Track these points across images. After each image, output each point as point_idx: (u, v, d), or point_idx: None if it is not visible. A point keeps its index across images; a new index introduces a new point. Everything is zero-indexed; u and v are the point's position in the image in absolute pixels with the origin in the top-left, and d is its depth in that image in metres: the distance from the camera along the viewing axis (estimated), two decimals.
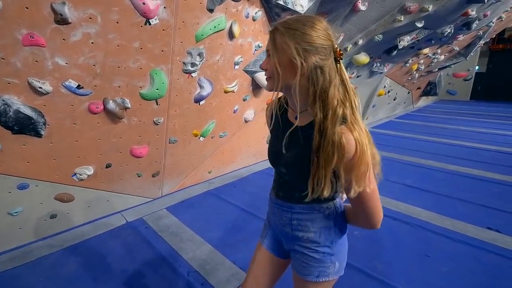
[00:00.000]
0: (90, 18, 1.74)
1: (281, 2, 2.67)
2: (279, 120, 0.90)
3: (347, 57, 4.16)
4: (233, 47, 2.73)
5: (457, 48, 6.76)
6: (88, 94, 1.95)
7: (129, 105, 2.13)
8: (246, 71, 3.07)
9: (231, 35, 2.60)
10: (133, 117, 2.25)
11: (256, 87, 3.31)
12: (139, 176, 2.58)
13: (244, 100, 3.27)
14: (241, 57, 2.87)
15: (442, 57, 6.79)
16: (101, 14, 1.78)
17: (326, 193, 0.76)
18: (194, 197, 2.89)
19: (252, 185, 3.25)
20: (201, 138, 2.97)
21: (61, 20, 1.64)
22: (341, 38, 3.65)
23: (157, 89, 2.23)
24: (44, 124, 1.87)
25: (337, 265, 0.91)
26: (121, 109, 2.10)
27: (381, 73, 5.47)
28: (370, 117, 7.30)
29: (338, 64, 0.74)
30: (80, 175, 2.20)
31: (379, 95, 6.73)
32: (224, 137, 3.28)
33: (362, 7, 3.18)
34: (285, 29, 0.72)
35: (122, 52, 1.97)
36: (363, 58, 4.25)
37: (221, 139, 3.25)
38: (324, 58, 0.71)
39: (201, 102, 2.72)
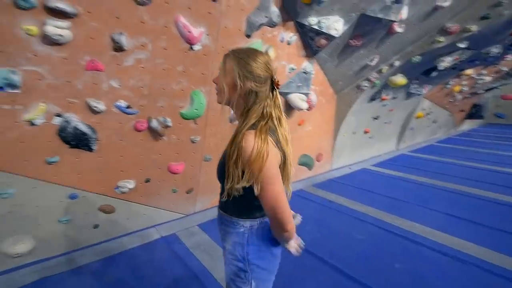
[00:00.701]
0: (142, 45, 1.94)
1: (316, 27, 2.75)
2: None
3: (383, 79, 4.08)
4: None
5: (505, 69, 6.30)
6: (135, 113, 2.12)
7: (170, 124, 2.27)
8: (280, 93, 3.13)
9: None
10: (172, 135, 2.38)
11: (288, 108, 3.35)
12: (174, 192, 2.67)
13: None
14: None
15: (488, 78, 6.36)
16: (151, 42, 1.97)
17: (236, 193, 0.86)
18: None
19: None
20: None
21: (118, 48, 1.85)
22: (375, 60, 3.61)
23: (196, 109, 2.36)
24: (96, 140, 2.05)
25: (253, 285, 0.96)
26: (162, 127, 2.24)
27: (419, 94, 5.24)
28: (408, 140, 6.92)
29: (274, 91, 0.92)
30: (122, 188, 2.34)
31: (417, 118, 6.40)
32: None
33: (398, 29, 3.15)
34: (234, 56, 0.89)
35: (167, 75, 2.14)
36: (400, 79, 4.13)
37: None
38: (259, 85, 0.88)
39: (235, 122, 2.80)
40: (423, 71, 4.47)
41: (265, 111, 0.89)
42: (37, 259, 2.08)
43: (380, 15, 2.84)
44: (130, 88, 2.03)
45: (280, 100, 0.94)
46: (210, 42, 2.22)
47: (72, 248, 2.25)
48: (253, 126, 0.86)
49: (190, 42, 2.10)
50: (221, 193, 0.97)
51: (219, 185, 1.00)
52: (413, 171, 4.83)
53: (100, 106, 1.94)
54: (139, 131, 2.20)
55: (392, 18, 2.89)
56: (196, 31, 2.10)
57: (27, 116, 1.75)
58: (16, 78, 1.64)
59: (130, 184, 2.36)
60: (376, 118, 5.15)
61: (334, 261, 2.20)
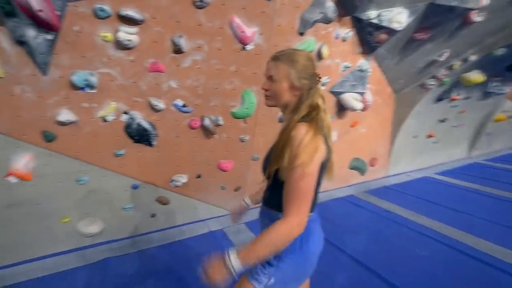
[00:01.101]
0: (198, 47, 2.03)
1: (375, 21, 2.54)
2: None
3: (453, 76, 3.59)
4: (321, 69, 2.71)
5: None
6: (190, 112, 2.24)
7: (221, 123, 2.34)
8: (332, 92, 2.99)
9: (319, 57, 2.60)
10: (223, 134, 2.45)
11: (341, 109, 3.17)
12: (222, 189, 2.75)
13: None
14: (328, 78, 2.82)
15: None
16: (207, 43, 2.05)
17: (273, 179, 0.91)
18: None
19: (332, 212, 3.03)
20: None
21: (177, 50, 1.97)
22: (445, 55, 3.19)
23: (246, 109, 2.39)
24: (156, 136, 2.22)
25: (272, 281, 0.93)
26: (214, 125, 2.32)
27: (501, 94, 4.49)
28: (483, 146, 5.98)
29: (318, 85, 0.96)
30: (176, 182, 2.49)
31: (496, 121, 5.50)
32: None
33: (477, 18, 2.73)
34: (286, 60, 0.94)
35: (220, 75, 2.20)
36: (476, 76, 3.58)
37: None
38: (312, 82, 0.94)
39: None
40: (507, 67, 3.81)
41: (314, 102, 0.94)
42: (105, 240, 2.34)
43: (454, 3, 2.49)
44: (187, 88, 2.15)
45: (321, 91, 1.00)
46: (263, 41, 2.22)
47: (134, 233, 2.47)
48: (305, 118, 0.90)
49: (243, 42, 2.13)
50: (266, 189, 1.03)
51: None
52: (489, 182, 4.15)
53: (160, 104, 2.10)
54: (193, 128, 2.31)
55: (470, 6, 2.51)
56: (249, 31, 2.12)
57: (101, 113, 1.98)
58: (94, 79, 1.86)
59: (183, 178, 2.50)
60: (443, 121, 4.57)
61: (393, 277, 1.99)
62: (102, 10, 1.70)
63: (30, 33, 1.61)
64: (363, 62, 3.00)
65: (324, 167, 0.93)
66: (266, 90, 0.99)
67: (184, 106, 2.19)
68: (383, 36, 2.67)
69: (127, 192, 2.36)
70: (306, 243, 0.95)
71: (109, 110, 2.00)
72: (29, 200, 1.99)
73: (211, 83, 2.20)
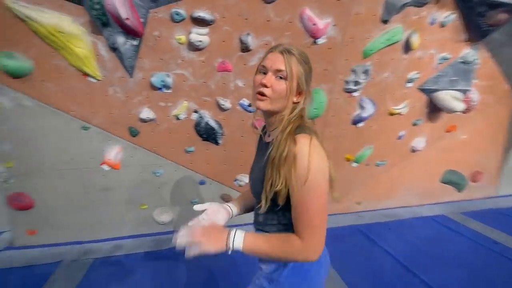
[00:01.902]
0: (266, 44, 1.95)
1: None
2: (258, 144, 1.00)
3: None
4: (408, 61, 2.29)
5: None
6: (255, 111, 2.19)
7: None
8: (423, 90, 2.50)
9: (407, 47, 2.19)
10: None
11: (433, 110, 2.63)
12: None
13: (415, 124, 2.66)
14: (418, 72, 2.36)
15: None
16: (275, 40, 1.95)
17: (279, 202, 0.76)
18: (339, 228, 2.60)
19: (414, 233, 2.54)
20: (354, 164, 2.66)
21: (245, 48, 1.94)
22: None
23: (315, 109, 2.20)
24: (222, 134, 2.26)
25: None
26: None
27: None
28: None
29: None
30: (240, 181, 2.49)
31: None
32: (382, 167, 2.80)
33: None
34: (301, 58, 0.77)
35: None
36: None
37: (378, 168, 2.79)
38: (310, 90, 0.83)
39: (360, 124, 2.44)
40: None
41: (304, 113, 0.82)
42: (175, 230, 2.52)
43: None
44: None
45: None
46: (337, 33, 1.99)
47: None
48: (299, 129, 0.76)
49: (314, 36, 1.95)
50: (258, 208, 0.86)
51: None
52: None
53: (227, 104, 2.11)
54: (258, 128, 2.25)
55: None
56: (322, 23, 1.92)
57: (175, 112, 2.12)
58: (169, 80, 2.00)
59: (246, 178, 2.49)
60: None
61: None
62: (178, 13, 1.79)
63: (120, 39, 1.82)
64: (468, 52, 2.40)
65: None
66: (266, 87, 0.75)
67: (249, 105, 2.15)
68: (501, 16, 2.06)
69: (195, 187, 2.48)
70: (317, 274, 0.87)
71: (181, 109, 2.12)
72: (117, 186, 2.29)
73: None
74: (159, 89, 2.02)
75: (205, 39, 1.87)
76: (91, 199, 2.27)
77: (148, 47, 1.89)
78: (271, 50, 0.79)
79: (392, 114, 2.50)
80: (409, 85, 2.41)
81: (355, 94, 2.26)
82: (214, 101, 2.13)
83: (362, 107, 2.36)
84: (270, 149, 0.77)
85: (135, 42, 1.86)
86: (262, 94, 0.76)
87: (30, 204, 2.18)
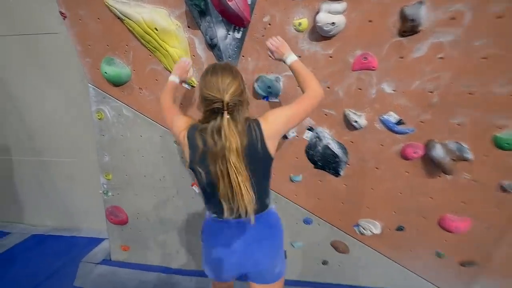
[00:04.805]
0: (453, 18, 1.10)
1: None
2: None
3: None
4: None
5: None
6: (407, 133, 1.36)
7: (469, 155, 1.29)
8: None
9: None
10: (464, 173, 1.38)
11: None
12: (438, 256, 1.68)
13: None
14: None
15: None
16: (472, 9, 1.08)
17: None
18: None
19: None
20: None
21: (409, 29, 1.14)
22: None
23: None
24: (346, 163, 1.54)
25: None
26: (452, 159, 1.31)
27: None
28: None
29: None
30: (363, 228, 1.71)
31: None
32: None
33: None
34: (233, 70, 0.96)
35: (487, 69, 1.16)
36: None
37: None
38: None
39: None
40: None
41: None
42: None
43: None
44: (410, 93, 1.29)
45: None
46: None
47: (299, 277, 1.97)
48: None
49: None
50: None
51: None
52: None
53: (361, 120, 1.37)
54: (408, 159, 1.42)
55: None
56: None
57: None
58: (278, 85, 1.42)
59: (374, 226, 1.68)
60: None
61: None
62: None
63: (220, 32, 1.35)
64: None
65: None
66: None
67: (399, 123, 1.35)
68: None
69: (298, 226, 1.86)
70: (203, 233, 1.13)
71: None
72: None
73: (462, 83, 1.21)
74: (264, 97, 1.47)
75: (340, 20, 1.18)
76: (179, 223, 1.96)
77: (254, 40, 1.36)
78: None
79: None
80: None
81: None
82: (341, 115, 1.43)
83: None
84: None
85: (237, 35, 1.35)
86: None
87: (124, 219, 2.04)
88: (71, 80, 2.19)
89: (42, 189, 2.63)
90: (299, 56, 1.14)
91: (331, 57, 1.31)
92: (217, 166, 0.87)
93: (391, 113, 1.34)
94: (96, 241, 2.35)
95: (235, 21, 1.29)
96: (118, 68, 1.64)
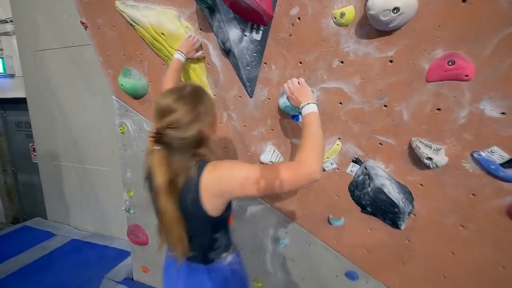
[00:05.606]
0: None
1: None
2: None
3: None
4: None
5: None
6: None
7: None
8: None
9: None
10: None
11: None
12: None
13: None
14: None
15: None
16: None
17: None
18: None
19: None
20: None
21: None
22: None
23: None
24: (410, 213, 1.06)
25: None
26: None
27: None
28: None
29: None
30: None
31: None
32: None
33: None
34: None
35: None
36: None
37: None
38: None
39: None
40: None
41: None
42: None
43: None
44: None
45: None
46: None
47: None
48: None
49: None
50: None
51: None
52: None
53: (439, 156, 0.89)
54: None
55: None
56: None
57: None
58: None
59: None
60: None
61: None
62: None
63: (233, 34, 1.03)
64: None
65: None
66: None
67: (508, 164, 0.82)
68: None
69: (338, 279, 1.42)
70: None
71: (329, 153, 1.12)
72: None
73: None
74: (294, 117, 1.10)
75: (408, 3, 0.74)
76: None
77: (279, 41, 1.00)
78: None
79: None
80: None
81: None
82: (404, 146, 0.97)
83: None
84: None
85: (256, 36, 1.02)
86: None
87: (145, 240, 1.90)
88: (108, 91, 2.18)
89: (85, 195, 2.73)
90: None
91: (391, 61, 0.87)
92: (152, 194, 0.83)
93: (495, 148, 0.83)
94: (124, 254, 2.30)
95: (251, 17, 0.95)
96: (134, 80, 1.47)
